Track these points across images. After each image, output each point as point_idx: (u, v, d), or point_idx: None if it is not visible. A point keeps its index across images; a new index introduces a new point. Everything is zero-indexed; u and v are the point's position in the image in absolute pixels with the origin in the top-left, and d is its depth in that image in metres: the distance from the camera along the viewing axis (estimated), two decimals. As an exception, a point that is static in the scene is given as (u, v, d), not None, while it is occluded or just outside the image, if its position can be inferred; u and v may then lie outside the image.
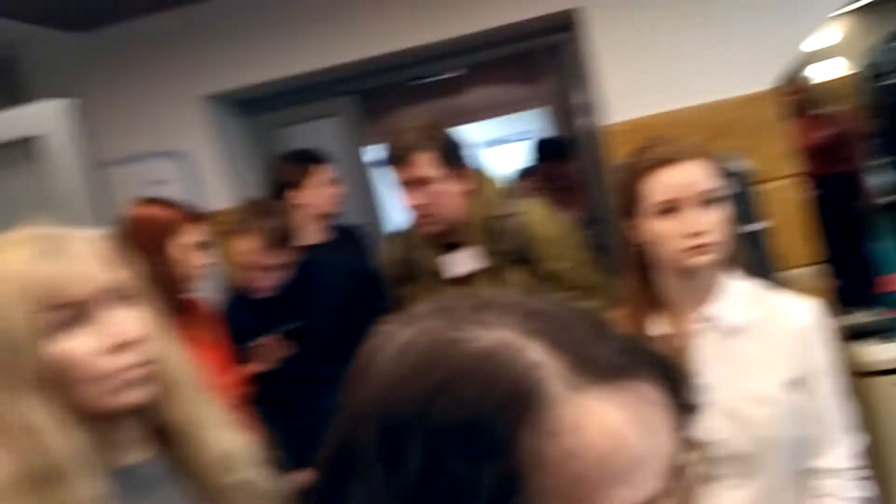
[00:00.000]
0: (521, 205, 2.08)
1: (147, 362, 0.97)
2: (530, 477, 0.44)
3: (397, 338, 0.50)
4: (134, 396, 0.96)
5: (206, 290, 2.50)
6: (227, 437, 1.08)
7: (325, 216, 2.89)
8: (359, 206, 3.55)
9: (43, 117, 2.44)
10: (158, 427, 1.04)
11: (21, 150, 2.46)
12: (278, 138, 3.55)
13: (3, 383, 0.87)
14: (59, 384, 0.89)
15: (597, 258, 2.14)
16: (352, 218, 3.37)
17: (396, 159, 2.01)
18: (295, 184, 2.82)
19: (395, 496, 0.46)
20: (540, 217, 2.07)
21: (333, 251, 2.77)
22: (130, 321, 0.95)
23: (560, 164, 3.89)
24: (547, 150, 4.15)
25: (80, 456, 0.89)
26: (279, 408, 2.29)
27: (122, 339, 0.93)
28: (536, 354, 0.47)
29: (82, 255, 0.93)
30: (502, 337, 0.48)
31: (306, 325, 2.34)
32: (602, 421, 0.46)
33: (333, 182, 2.93)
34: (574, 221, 2.36)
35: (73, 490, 0.87)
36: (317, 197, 2.84)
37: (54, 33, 3.22)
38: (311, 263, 2.43)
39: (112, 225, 2.15)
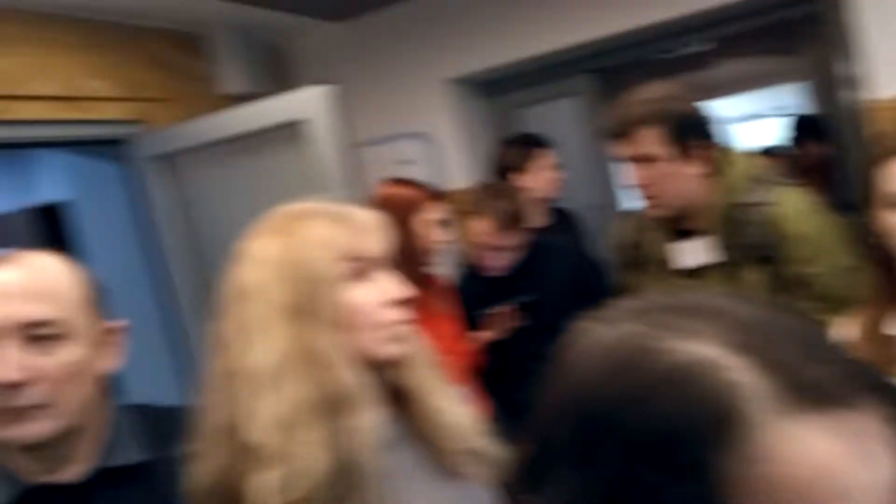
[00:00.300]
0: (773, 193, 1.79)
1: (411, 320, 1.09)
2: (728, 502, 0.43)
3: (599, 338, 0.50)
4: (399, 349, 1.08)
5: (444, 266, 2.63)
6: (454, 408, 1.15)
7: (545, 200, 2.91)
8: (596, 186, 3.53)
9: (307, 102, 2.69)
10: (393, 391, 1.12)
11: (287, 132, 2.73)
12: (518, 119, 3.62)
13: (308, 318, 1.01)
14: (347, 327, 1.03)
15: (861, 265, 1.75)
16: (589, 199, 3.36)
17: (618, 133, 1.84)
18: (518, 168, 2.88)
19: (589, 496, 0.47)
20: (795, 210, 1.77)
21: (553, 235, 2.79)
22: (399, 283, 1.09)
23: (817, 143, 3.58)
24: (803, 127, 3.85)
25: (363, 390, 1.02)
26: (505, 381, 2.36)
27: (395, 295, 1.07)
28: (741, 374, 0.45)
29: (367, 224, 1.09)
30: (705, 352, 0.46)
31: (539, 300, 2.38)
32: (810, 451, 0.43)
33: (555, 167, 2.95)
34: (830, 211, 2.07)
35: (358, 419, 1.00)
36: (538, 181, 2.88)
37: (318, 23, 3.52)
38: (542, 246, 2.47)
39: (364, 202, 2.32)
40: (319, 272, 1.02)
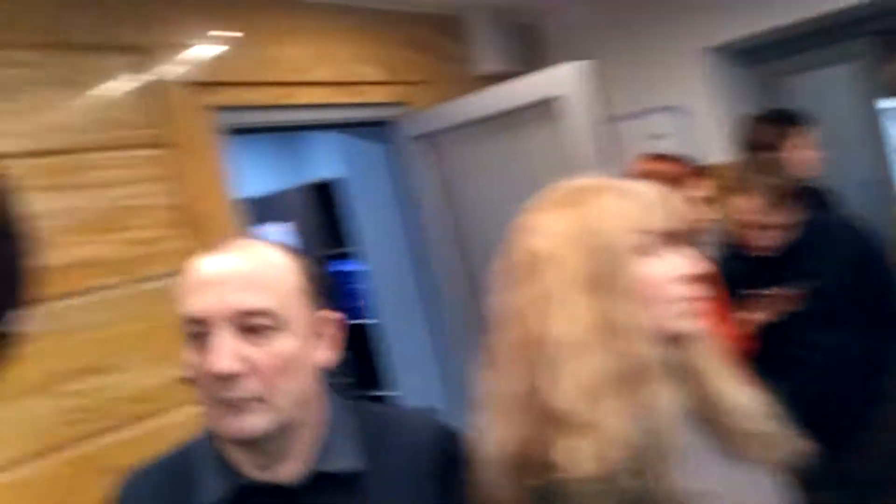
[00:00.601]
0: None
1: (700, 298, 1.07)
2: None
3: None
4: (688, 325, 1.06)
5: (707, 245, 2.54)
6: (738, 390, 1.11)
7: (799, 181, 2.68)
8: (872, 160, 3.23)
9: (561, 79, 2.70)
10: (675, 369, 1.11)
11: (542, 110, 2.76)
12: (780, 89, 3.39)
13: (605, 288, 1.02)
14: (639, 300, 1.02)
15: None
16: (864, 174, 3.08)
17: None
18: (770, 146, 2.68)
19: None
20: None
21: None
22: (689, 259, 1.07)
23: None
24: None
25: (661, 364, 1.01)
26: (770, 369, 2.23)
27: (689, 271, 1.05)
28: None
29: (654, 199, 1.08)
30: None
31: (821, 287, 2.22)
32: None
33: (812, 146, 2.71)
34: None
35: (658, 392, 0.99)
36: (792, 161, 2.66)
37: (571, 0, 3.52)
38: (818, 225, 2.30)
39: (620, 177, 2.29)
40: (615, 243, 1.02)
